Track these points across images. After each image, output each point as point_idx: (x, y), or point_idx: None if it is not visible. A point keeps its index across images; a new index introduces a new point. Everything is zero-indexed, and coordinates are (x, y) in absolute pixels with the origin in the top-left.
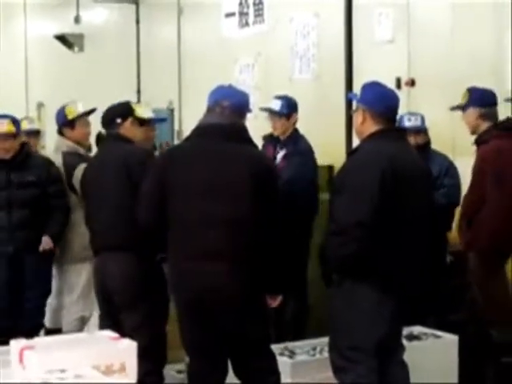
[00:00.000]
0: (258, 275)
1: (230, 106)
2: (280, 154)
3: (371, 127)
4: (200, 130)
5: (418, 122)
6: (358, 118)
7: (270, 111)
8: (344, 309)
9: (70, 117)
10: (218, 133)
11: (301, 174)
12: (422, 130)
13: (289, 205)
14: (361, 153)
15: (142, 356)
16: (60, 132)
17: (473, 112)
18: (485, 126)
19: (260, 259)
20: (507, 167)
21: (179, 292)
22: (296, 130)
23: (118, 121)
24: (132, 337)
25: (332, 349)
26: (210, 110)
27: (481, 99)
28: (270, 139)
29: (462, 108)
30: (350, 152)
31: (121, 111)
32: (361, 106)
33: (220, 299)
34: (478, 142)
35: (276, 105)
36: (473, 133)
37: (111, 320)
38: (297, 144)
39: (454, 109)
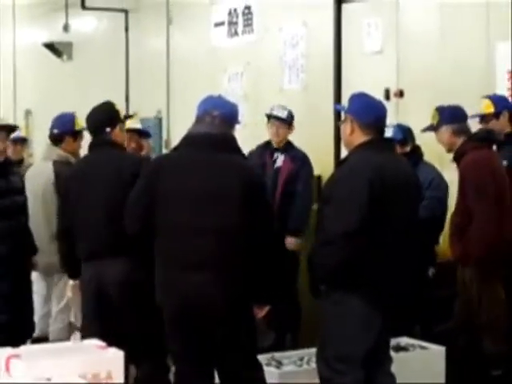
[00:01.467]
0: (244, 285)
1: (219, 115)
2: (280, 159)
3: (359, 138)
4: (189, 140)
5: (399, 135)
6: (346, 129)
7: (277, 118)
8: (332, 320)
9: (77, 127)
10: (207, 142)
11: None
12: (403, 142)
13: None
14: (349, 163)
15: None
16: (58, 139)
17: (446, 130)
18: (460, 141)
19: (247, 269)
20: (487, 178)
21: (165, 301)
22: (289, 140)
23: (108, 130)
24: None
25: (319, 359)
26: (199, 119)
27: (451, 116)
28: (265, 147)
29: (434, 128)
30: (339, 162)
31: (109, 120)
32: (349, 117)
33: (206, 309)
34: (456, 158)
35: (283, 113)
36: (449, 151)
37: (102, 327)
38: (295, 149)
39: (425, 130)
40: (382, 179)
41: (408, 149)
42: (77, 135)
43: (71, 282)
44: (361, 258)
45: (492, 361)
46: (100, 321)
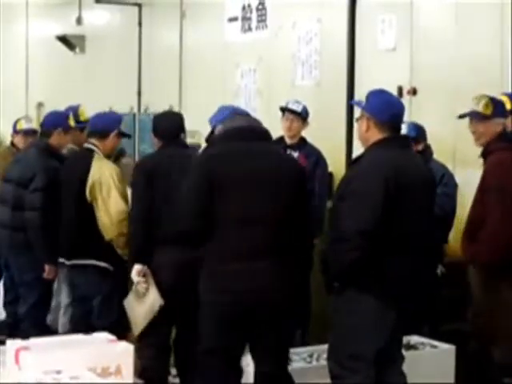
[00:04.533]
0: (295, 276)
1: (248, 113)
2: (294, 155)
3: (376, 135)
4: (232, 133)
5: (413, 133)
6: (362, 126)
7: (292, 111)
8: (345, 317)
9: (82, 118)
10: (253, 134)
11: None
12: (416, 140)
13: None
14: (365, 161)
15: None
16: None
17: (497, 123)
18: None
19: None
20: (508, 180)
21: (225, 292)
22: (302, 137)
23: (182, 135)
24: None
25: (331, 357)
26: (229, 119)
27: (504, 110)
28: (278, 143)
29: (485, 117)
30: (354, 160)
31: (182, 127)
32: (365, 114)
33: (275, 300)
34: (483, 155)
35: (298, 107)
36: (482, 144)
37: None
38: (309, 146)
39: (464, 116)
40: (398, 177)
41: (420, 147)
42: (82, 126)
43: (138, 266)
44: (375, 255)
45: (503, 369)
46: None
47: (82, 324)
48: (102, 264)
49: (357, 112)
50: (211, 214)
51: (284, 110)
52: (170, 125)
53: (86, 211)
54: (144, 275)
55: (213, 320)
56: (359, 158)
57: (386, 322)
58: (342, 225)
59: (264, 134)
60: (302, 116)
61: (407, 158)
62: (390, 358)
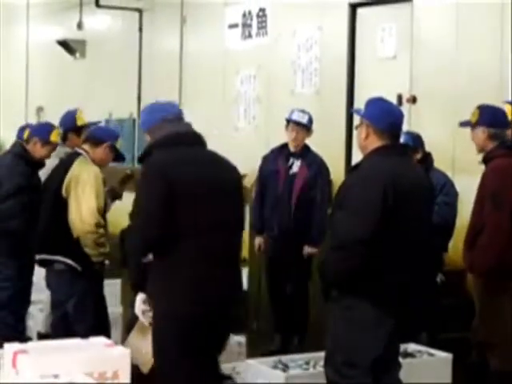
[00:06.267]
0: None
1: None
2: (296, 164)
3: (375, 143)
4: (178, 138)
5: (410, 142)
6: (361, 133)
7: (297, 123)
8: (342, 325)
9: (79, 123)
10: (196, 139)
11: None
12: (414, 149)
13: None
14: (363, 168)
15: None
16: (62, 137)
17: (481, 131)
18: (492, 145)
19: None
20: (506, 187)
21: (194, 300)
22: (306, 144)
23: None
24: None
25: (327, 364)
26: (173, 120)
27: (491, 119)
28: (280, 151)
29: (471, 126)
30: (353, 167)
31: None
32: (365, 122)
33: (232, 304)
34: (484, 161)
35: (303, 118)
36: (480, 151)
37: None
38: (311, 154)
39: (462, 125)
40: (396, 185)
41: (419, 156)
42: (80, 130)
43: (142, 295)
44: (373, 264)
45: (500, 377)
46: None
47: (61, 328)
48: (68, 261)
49: (356, 120)
50: (172, 222)
51: (289, 121)
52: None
53: (61, 207)
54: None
55: (176, 332)
56: (358, 165)
57: (383, 329)
58: (339, 233)
59: (202, 138)
60: (307, 127)
61: (406, 166)
62: (387, 366)
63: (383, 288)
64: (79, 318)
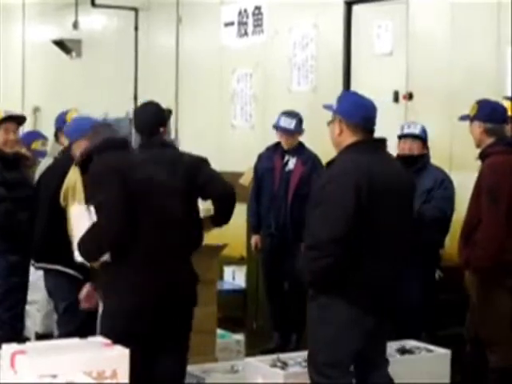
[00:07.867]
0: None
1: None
2: (291, 161)
3: (348, 138)
4: (113, 143)
5: (416, 130)
6: (334, 129)
7: (286, 130)
8: (318, 324)
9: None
10: (126, 144)
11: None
12: (419, 138)
13: None
14: (336, 166)
15: None
16: (56, 136)
17: (478, 126)
18: (489, 141)
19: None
20: (502, 184)
21: (137, 296)
22: (300, 142)
23: (161, 130)
24: None
25: (309, 364)
26: (99, 129)
27: (489, 114)
28: (275, 149)
29: (470, 120)
30: (327, 164)
31: (162, 119)
32: (337, 117)
33: (180, 298)
34: (481, 157)
35: (290, 124)
36: (478, 146)
37: None
38: (306, 151)
39: (462, 119)
40: (370, 182)
41: (418, 149)
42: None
43: None
44: (347, 262)
45: (498, 373)
46: None
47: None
48: (68, 271)
49: (332, 115)
50: (133, 221)
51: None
52: (147, 118)
53: (58, 216)
54: None
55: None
56: (331, 162)
57: (360, 328)
58: (313, 232)
59: (128, 144)
60: (297, 131)
61: (381, 161)
62: (373, 364)
63: (359, 286)
64: (66, 321)
